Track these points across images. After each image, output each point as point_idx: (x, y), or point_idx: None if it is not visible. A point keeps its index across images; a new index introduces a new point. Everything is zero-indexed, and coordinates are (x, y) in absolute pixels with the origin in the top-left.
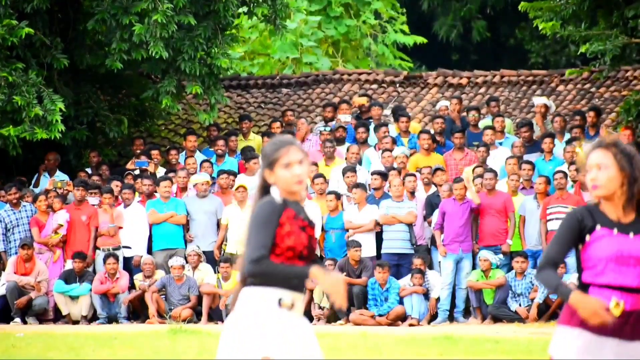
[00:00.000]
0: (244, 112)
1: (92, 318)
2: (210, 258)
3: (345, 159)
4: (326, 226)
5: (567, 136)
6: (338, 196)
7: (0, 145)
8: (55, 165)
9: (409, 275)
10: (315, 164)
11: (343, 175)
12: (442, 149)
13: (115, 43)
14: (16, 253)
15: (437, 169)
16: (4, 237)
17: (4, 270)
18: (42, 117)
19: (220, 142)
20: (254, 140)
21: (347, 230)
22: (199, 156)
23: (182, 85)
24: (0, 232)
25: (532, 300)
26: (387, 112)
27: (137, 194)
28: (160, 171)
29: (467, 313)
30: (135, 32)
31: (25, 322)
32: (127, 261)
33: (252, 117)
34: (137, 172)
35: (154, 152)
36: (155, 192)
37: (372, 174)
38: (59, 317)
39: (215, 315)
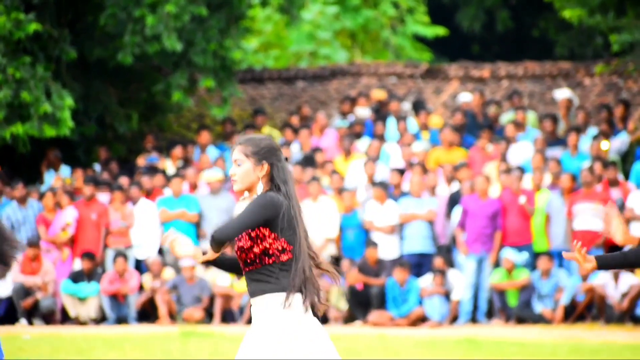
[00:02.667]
0: (258, 106)
1: (101, 319)
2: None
3: (366, 154)
4: (343, 224)
5: (594, 131)
6: (357, 193)
7: (9, 142)
8: (57, 161)
9: (430, 276)
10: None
11: (364, 167)
12: (469, 144)
13: (127, 36)
14: (22, 252)
15: (460, 165)
16: None
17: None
18: (51, 113)
19: (237, 138)
20: (270, 134)
21: (366, 230)
22: (213, 152)
23: (194, 78)
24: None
25: (558, 301)
26: (407, 106)
27: (146, 191)
28: (169, 168)
29: (490, 315)
30: (148, 24)
31: (31, 324)
32: (137, 261)
33: (266, 112)
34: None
35: (176, 149)
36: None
37: (391, 170)
38: (66, 318)
39: (229, 317)
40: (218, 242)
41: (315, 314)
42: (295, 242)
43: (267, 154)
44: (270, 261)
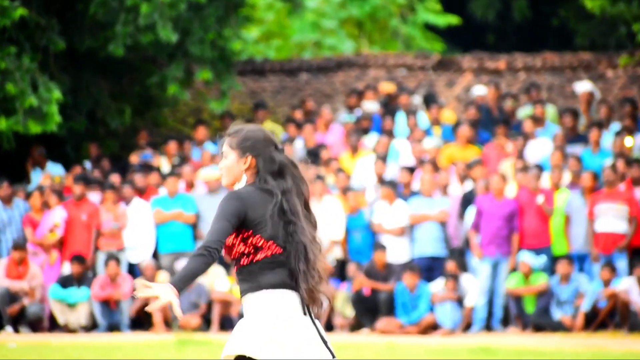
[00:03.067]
0: (259, 99)
1: (92, 327)
2: (221, 261)
3: (374, 151)
4: (349, 225)
5: (617, 126)
6: (365, 192)
7: None
8: (41, 159)
9: (442, 280)
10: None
11: (374, 166)
12: (484, 140)
13: (119, 25)
14: (8, 255)
15: (474, 163)
16: None
17: None
18: (37, 107)
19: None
20: (272, 129)
21: (374, 232)
22: (210, 148)
23: (190, 70)
24: None
25: (578, 307)
26: (417, 99)
27: (140, 190)
28: (164, 165)
29: (505, 322)
30: (142, 13)
31: (17, 332)
32: (130, 264)
33: (268, 106)
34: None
35: (171, 145)
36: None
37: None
38: (55, 326)
39: (227, 324)
40: (208, 259)
41: (310, 313)
42: (287, 234)
43: (253, 146)
44: (247, 261)
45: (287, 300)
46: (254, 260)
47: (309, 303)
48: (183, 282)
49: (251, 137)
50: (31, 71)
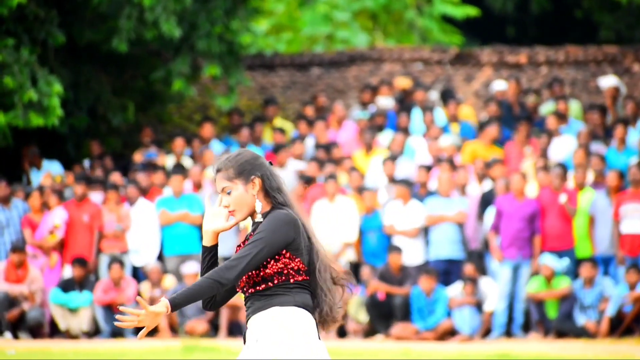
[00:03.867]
0: (268, 95)
1: (94, 333)
2: None
3: (388, 149)
4: (363, 227)
5: None
6: (379, 192)
7: None
8: (35, 158)
9: (459, 284)
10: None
11: (383, 166)
12: (504, 138)
13: (123, 20)
14: (6, 258)
15: (494, 161)
16: None
17: None
18: (37, 101)
19: (245, 131)
20: (282, 127)
21: (388, 233)
22: (217, 146)
23: (197, 65)
24: None
25: (603, 312)
26: (434, 95)
27: (144, 190)
28: (170, 164)
29: (526, 328)
30: (146, 5)
31: (17, 338)
32: (135, 268)
33: (278, 102)
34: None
35: (178, 142)
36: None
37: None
38: (55, 331)
39: (236, 330)
40: (225, 286)
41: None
42: (311, 257)
43: (252, 167)
44: (282, 279)
45: (313, 324)
46: (291, 280)
47: (329, 324)
48: (185, 301)
49: (245, 159)
50: (30, 65)
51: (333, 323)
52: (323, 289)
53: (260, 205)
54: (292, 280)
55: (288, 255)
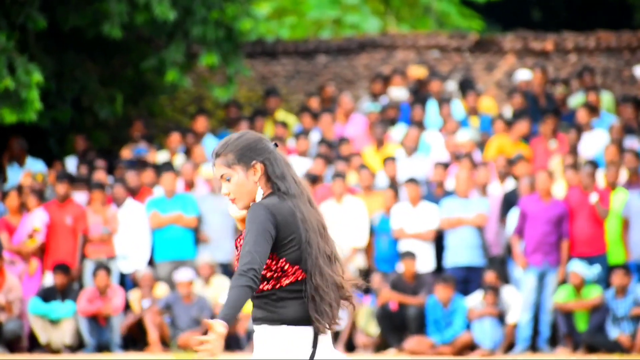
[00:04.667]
0: (270, 85)
1: (78, 346)
2: (227, 271)
3: (402, 144)
4: (376, 229)
5: None
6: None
7: None
8: (21, 153)
9: (479, 293)
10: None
11: (385, 166)
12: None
13: (114, 2)
14: None
15: (517, 158)
16: None
17: None
18: (14, 92)
19: (244, 124)
20: (284, 120)
21: (397, 238)
22: (212, 142)
23: (192, 53)
24: None
25: (638, 324)
26: (452, 85)
27: (133, 190)
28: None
29: (553, 341)
30: None
31: None
32: (122, 275)
33: (280, 93)
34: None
35: (173, 137)
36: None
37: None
38: (35, 345)
39: (234, 343)
40: (253, 286)
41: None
42: (306, 257)
43: (253, 151)
44: (269, 287)
45: (305, 340)
46: (277, 287)
47: (325, 331)
48: (233, 316)
49: (246, 143)
50: (7, 51)
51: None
52: (319, 294)
53: (261, 194)
54: (277, 286)
55: (271, 256)
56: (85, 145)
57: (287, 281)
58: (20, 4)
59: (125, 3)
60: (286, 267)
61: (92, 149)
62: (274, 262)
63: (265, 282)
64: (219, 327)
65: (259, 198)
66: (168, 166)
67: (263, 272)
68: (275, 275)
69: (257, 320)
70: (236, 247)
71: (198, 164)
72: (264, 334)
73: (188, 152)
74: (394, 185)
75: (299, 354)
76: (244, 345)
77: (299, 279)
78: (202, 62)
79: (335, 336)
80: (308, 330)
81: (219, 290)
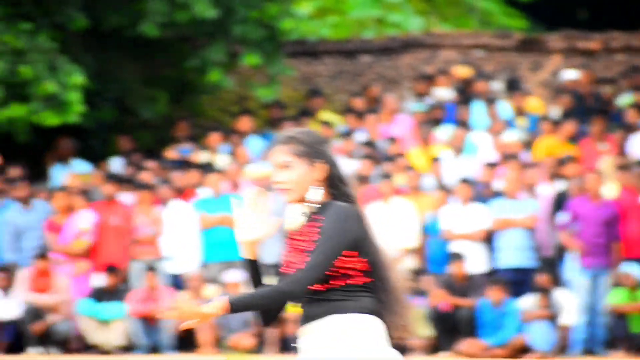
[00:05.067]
0: (313, 85)
1: (129, 347)
2: (275, 271)
3: (448, 144)
4: (428, 230)
5: None
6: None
7: (4, 128)
8: (69, 153)
9: (532, 295)
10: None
11: (431, 166)
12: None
13: (153, 1)
14: (29, 265)
15: (567, 159)
16: (13, 245)
17: (14, 286)
18: (56, 95)
19: (287, 125)
20: (328, 120)
21: (447, 239)
22: (255, 142)
23: (234, 52)
24: (9, 239)
25: None
26: (498, 85)
27: (178, 190)
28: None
29: (609, 344)
30: None
31: (43, 353)
32: (172, 275)
33: (324, 93)
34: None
35: (213, 137)
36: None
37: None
38: (85, 346)
39: (285, 345)
40: (292, 298)
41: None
42: (375, 256)
43: (321, 150)
44: (343, 282)
45: (382, 329)
46: (348, 282)
47: (396, 332)
48: (244, 306)
49: (316, 140)
50: (48, 52)
51: (400, 332)
52: (388, 293)
53: (315, 193)
54: (351, 282)
55: (347, 253)
56: (129, 146)
57: (362, 280)
58: (61, 4)
59: (165, 2)
60: (365, 267)
61: (137, 149)
62: (354, 260)
63: (336, 279)
64: (210, 306)
65: (312, 198)
66: (211, 167)
67: (334, 270)
68: (349, 274)
69: (322, 314)
70: (290, 245)
71: (242, 164)
72: (334, 323)
73: (232, 153)
74: (443, 185)
75: (373, 340)
76: (297, 347)
77: (369, 278)
78: (243, 62)
79: None
80: (378, 321)
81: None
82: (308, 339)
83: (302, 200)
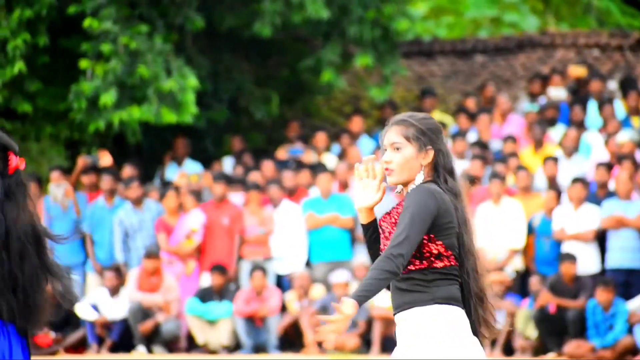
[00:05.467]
0: (426, 85)
1: (235, 347)
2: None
3: (560, 145)
4: (538, 230)
5: None
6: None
7: (116, 129)
8: (185, 153)
9: None
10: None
11: (544, 166)
12: None
13: (267, 1)
14: (139, 265)
15: None
16: (124, 244)
17: (124, 286)
18: (171, 94)
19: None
20: (441, 121)
21: (558, 239)
22: (367, 142)
23: (348, 53)
24: (120, 239)
25: None
26: (613, 85)
27: (289, 190)
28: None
29: None
30: None
31: (151, 352)
32: (279, 276)
33: (437, 93)
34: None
35: (319, 137)
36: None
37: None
38: (193, 345)
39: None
40: (398, 274)
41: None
42: (460, 246)
43: (433, 137)
44: (422, 266)
45: (463, 318)
46: (430, 267)
47: (480, 325)
48: (365, 298)
49: (431, 126)
50: (164, 53)
51: (484, 326)
52: (471, 279)
53: (420, 179)
54: (432, 266)
55: (428, 236)
56: (241, 146)
57: (441, 264)
58: (178, 5)
59: (280, 2)
60: (442, 250)
61: (248, 149)
62: (431, 244)
63: (419, 262)
64: (347, 308)
65: (417, 182)
66: (322, 167)
67: (416, 253)
68: (430, 257)
69: (405, 305)
70: (380, 226)
71: (353, 164)
72: (416, 317)
73: (343, 153)
74: (554, 186)
75: (460, 331)
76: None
77: (452, 264)
78: (357, 63)
79: (493, 340)
80: (460, 310)
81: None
82: (399, 331)
83: (404, 183)
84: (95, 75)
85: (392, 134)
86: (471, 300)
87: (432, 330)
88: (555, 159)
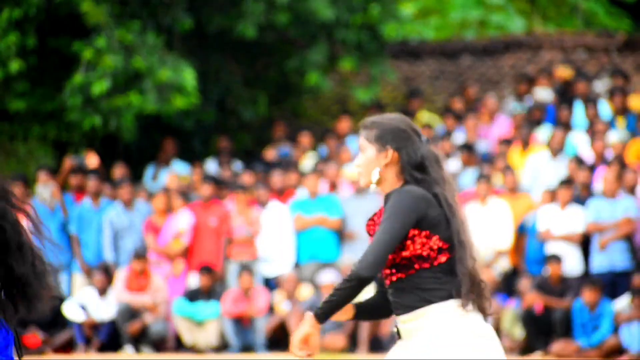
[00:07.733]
0: (413, 86)
1: (223, 347)
2: None
3: (547, 145)
4: (525, 231)
5: None
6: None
7: (113, 128)
8: (171, 154)
9: (627, 297)
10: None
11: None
12: None
13: (249, 4)
14: (127, 265)
15: None
16: (113, 245)
17: (111, 285)
18: (172, 81)
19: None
20: (428, 122)
21: (543, 240)
22: (354, 142)
23: (335, 55)
24: (110, 239)
25: None
26: (599, 86)
27: (277, 191)
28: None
29: None
30: None
31: (139, 352)
32: (265, 277)
33: (424, 93)
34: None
35: (304, 138)
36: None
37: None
38: (180, 346)
39: (377, 345)
40: (367, 281)
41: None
42: (452, 236)
43: (393, 137)
44: (427, 265)
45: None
46: (436, 264)
47: (484, 310)
48: (330, 312)
49: (391, 127)
50: (158, 48)
51: (482, 313)
52: (468, 273)
53: (376, 176)
54: (435, 263)
55: (424, 234)
56: (228, 146)
57: (444, 258)
58: (166, 5)
59: (262, 3)
60: (441, 244)
61: (234, 150)
62: (430, 241)
63: (423, 261)
64: (304, 326)
65: (373, 180)
66: (310, 167)
67: (420, 252)
68: (432, 255)
69: (411, 305)
70: (368, 233)
71: (342, 165)
72: (427, 315)
73: (330, 153)
74: (541, 186)
75: (479, 323)
76: (387, 347)
77: (450, 256)
78: (340, 66)
79: None
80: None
81: (362, 293)
82: (405, 332)
83: (378, 184)
84: (91, 66)
85: (360, 138)
86: (476, 285)
87: (447, 330)
88: (540, 160)
